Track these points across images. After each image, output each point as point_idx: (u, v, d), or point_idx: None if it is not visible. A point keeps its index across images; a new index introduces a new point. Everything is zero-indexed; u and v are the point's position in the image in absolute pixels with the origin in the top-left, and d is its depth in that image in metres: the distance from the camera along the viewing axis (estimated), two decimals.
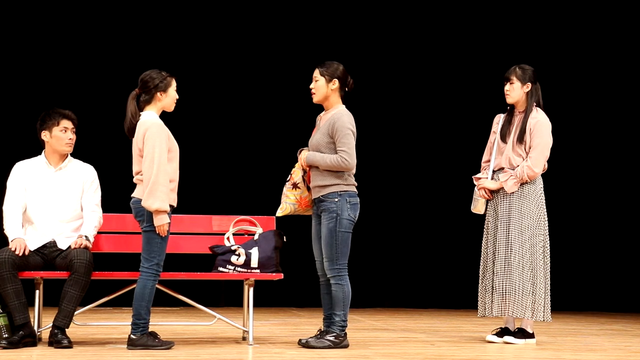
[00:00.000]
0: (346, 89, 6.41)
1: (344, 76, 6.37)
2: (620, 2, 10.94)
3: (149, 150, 5.95)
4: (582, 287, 11.02)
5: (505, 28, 11.00)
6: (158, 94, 6.11)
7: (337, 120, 6.26)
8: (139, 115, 6.11)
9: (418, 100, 11.09)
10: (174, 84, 6.17)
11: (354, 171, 6.33)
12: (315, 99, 6.40)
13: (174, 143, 6.13)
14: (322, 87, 6.36)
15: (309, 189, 6.41)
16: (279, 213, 6.47)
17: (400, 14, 11.04)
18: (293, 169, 6.46)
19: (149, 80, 6.11)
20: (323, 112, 6.46)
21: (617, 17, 10.99)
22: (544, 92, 7.07)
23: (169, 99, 6.15)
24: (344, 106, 6.39)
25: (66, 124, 6.42)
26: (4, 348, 6.01)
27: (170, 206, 6.05)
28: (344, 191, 6.28)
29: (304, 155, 6.36)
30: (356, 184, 6.36)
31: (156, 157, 5.93)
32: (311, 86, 6.39)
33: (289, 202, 6.44)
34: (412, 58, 11.07)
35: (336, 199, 6.26)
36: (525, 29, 11.00)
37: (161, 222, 5.94)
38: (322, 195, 6.30)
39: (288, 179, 6.46)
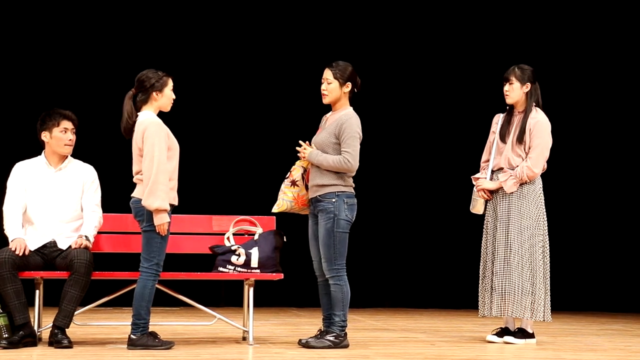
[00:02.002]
0: (355, 90, 6.41)
1: (354, 77, 6.36)
2: (620, 2, 10.94)
3: (149, 149, 5.95)
4: (582, 287, 11.02)
5: (505, 28, 11.00)
6: (154, 93, 6.10)
7: (345, 122, 6.26)
8: (136, 115, 6.11)
9: (418, 100, 11.09)
10: (170, 83, 6.17)
11: (354, 173, 6.33)
12: (327, 100, 6.38)
13: (174, 141, 6.13)
14: (335, 90, 6.33)
15: (307, 187, 6.41)
16: (275, 209, 6.46)
17: (399, 14, 11.04)
18: (293, 167, 6.46)
19: (145, 79, 6.11)
20: (330, 113, 6.45)
21: (617, 17, 10.99)
22: (544, 92, 7.07)
23: (165, 98, 6.14)
24: (351, 108, 6.39)
25: (66, 124, 6.42)
26: (4, 348, 6.01)
27: (171, 205, 6.05)
28: (342, 192, 6.28)
29: (308, 152, 6.34)
30: (354, 185, 6.36)
31: (156, 156, 5.93)
32: (323, 88, 6.35)
33: (286, 199, 6.43)
34: (411, 58, 11.07)
35: (333, 200, 6.26)
36: (525, 29, 11.00)
37: (161, 221, 5.95)
38: (319, 195, 6.29)
39: (287, 175, 6.45)
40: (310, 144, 6.39)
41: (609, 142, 11.16)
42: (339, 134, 6.25)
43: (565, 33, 11.07)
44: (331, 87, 6.32)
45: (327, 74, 6.33)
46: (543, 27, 11.05)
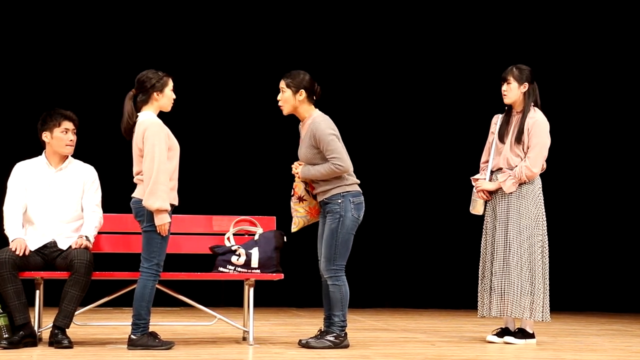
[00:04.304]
0: (314, 97, 6.38)
1: (310, 86, 6.33)
2: (620, 2, 10.94)
3: (149, 149, 5.95)
4: (582, 287, 11.02)
5: (503, 28, 11.00)
6: (155, 94, 6.11)
7: (316, 131, 6.23)
8: (136, 115, 6.11)
9: (417, 100, 11.09)
10: (170, 83, 6.17)
11: (351, 170, 6.32)
12: (285, 111, 6.40)
13: (174, 141, 6.13)
14: (289, 99, 6.33)
15: (314, 197, 6.41)
16: (294, 229, 6.47)
17: (400, 13, 11.04)
18: (295, 183, 6.45)
19: (146, 80, 6.11)
20: (301, 123, 6.45)
21: (617, 17, 10.99)
22: (543, 91, 7.06)
23: (165, 99, 6.15)
24: (317, 111, 6.36)
25: (67, 125, 6.42)
26: (5, 348, 6.01)
27: (172, 205, 6.05)
28: (347, 192, 6.28)
29: (300, 171, 6.35)
30: (358, 181, 6.36)
31: (156, 157, 5.94)
32: (278, 97, 6.37)
33: (300, 215, 6.43)
34: (411, 58, 11.07)
35: (339, 200, 6.26)
36: (524, 29, 10.99)
37: (162, 221, 5.95)
38: (326, 198, 6.30)
39: (292, 193, 6.45)
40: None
41: (608, 142, 11.16)
42: (317, 144, 6.24)
43: (564, 33, 11.07)
44: (285, 96, 6.34)
45: (281, 83, 6.36)
46: (542, 27, 11.05)
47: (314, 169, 6.26)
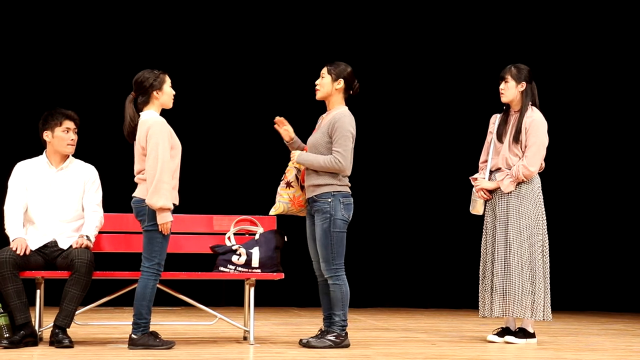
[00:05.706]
0: (351, 92, 6.41)
1: (350, 78, 6.37)
2: (620, 2, 10.93)
3: (152, 147, 5.95)
4: (582, 287, 11.02)
5: (502, 28, 11.00)
6: (154, 92, 6.11)
7: (337, 121, 6.26)
8: (138, 116, 6.11)
9: (417, 100, 11.09)
10: (168, 80, 6.17)
11: (348, 173, 6.32)
12: (318, 95, 6.41)
13: (176, 141, 6.13)
14: (327, 84, 6.36)
15: (302, 188, 6.41)
16: (272, 212, 6.48)
17: (398, 13, 11.04)
18: (288, 168, 6.47)
19: (144, 80, 6.11)
20: (325, 113, 6.46)
21: (617, 17, 10.99)
22: (542, 91, 7.06)
23: (165, 96, 6.15)
24: (346, 108, 6.39)
25: (68, 124, 6.42)
26: (5, 348, 6.01)
27: (173, 204, 6.05)
28: (337, 191, 6.28)
29: (297, 153, 6.36)
30: (350, 184, 6.36)
31: (160, 155, 5.94)
32: (317, 82, 6.40)
33: (282, 201, 6.43)
34: (409, 58, 11.06)
35: (329, 200, 6.26)
36: (523, 28, 10.99)
37: (164, 219, 5.95)
38: (315, 195, 6.30)
39: (282, 177, 6.46)
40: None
41: (608, 142, 11.15)
42: (332, 133, 6.26)
43: (563, 33, 11.07)
44: (324, 81, 6.37)
45: (323, 69, 6.40)
46: (541, 27, 11.04)
47: (312, 156, 6.28)
